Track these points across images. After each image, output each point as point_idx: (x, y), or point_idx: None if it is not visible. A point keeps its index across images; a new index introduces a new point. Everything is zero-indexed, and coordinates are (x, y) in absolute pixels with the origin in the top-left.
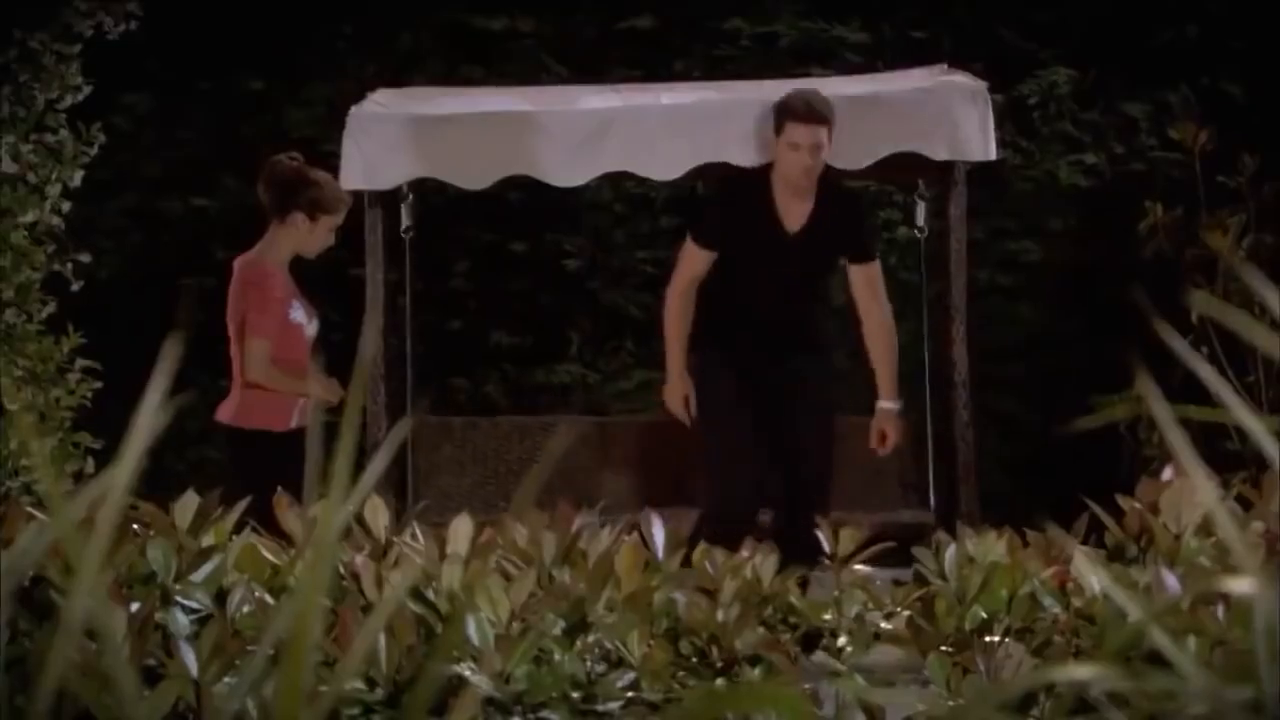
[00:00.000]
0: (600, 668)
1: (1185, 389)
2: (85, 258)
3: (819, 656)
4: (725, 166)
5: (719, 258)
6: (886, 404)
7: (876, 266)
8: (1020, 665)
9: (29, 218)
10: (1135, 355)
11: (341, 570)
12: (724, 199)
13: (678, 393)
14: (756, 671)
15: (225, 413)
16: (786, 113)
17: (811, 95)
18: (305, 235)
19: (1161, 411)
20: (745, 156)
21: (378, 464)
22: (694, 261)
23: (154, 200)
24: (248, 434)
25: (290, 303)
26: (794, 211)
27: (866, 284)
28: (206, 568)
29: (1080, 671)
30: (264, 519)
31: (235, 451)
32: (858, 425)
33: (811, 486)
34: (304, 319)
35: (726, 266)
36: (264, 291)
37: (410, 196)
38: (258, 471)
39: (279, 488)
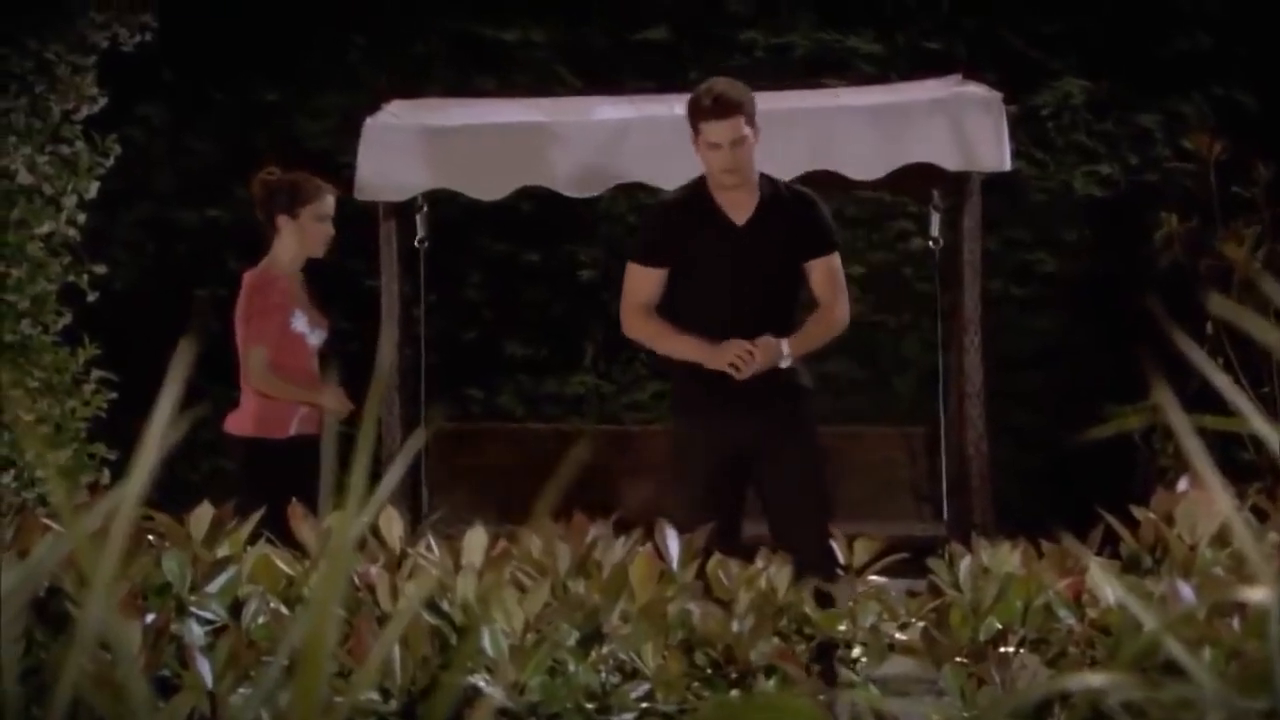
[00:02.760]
0: (615, 679)
1: (1200, 399)
2: (100, 269)
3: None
4: None
5: (671, 279)
6: (785, 344)
7: (836, 259)
8: (1035, 676)
9: (45, 229)
10: (1151, 366)
11: (356, 581)
12: (661, 208)
13: (724, 353)
14: (771, 682)
15: (229, 421)
16: (697, 112)
17: (721, 86)
18: (297, 234)
19: (1177, 421)
20: (761, 166)
21: (393, 474)
22: (640, 283)
23: (168, 211)
24: (246, 441)
25: (291, 311)
26: (738, 206)
27: (826, 278)
28: (221, 578)
29: (1096, 681)
30: (270, 527)
31: (235, 459)
32: (871, 435)
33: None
34: (305, 328)
35: (680, 287)
36: (264, 299)
37: (425, 207)
38: (258, 479)
39: (280, 495)
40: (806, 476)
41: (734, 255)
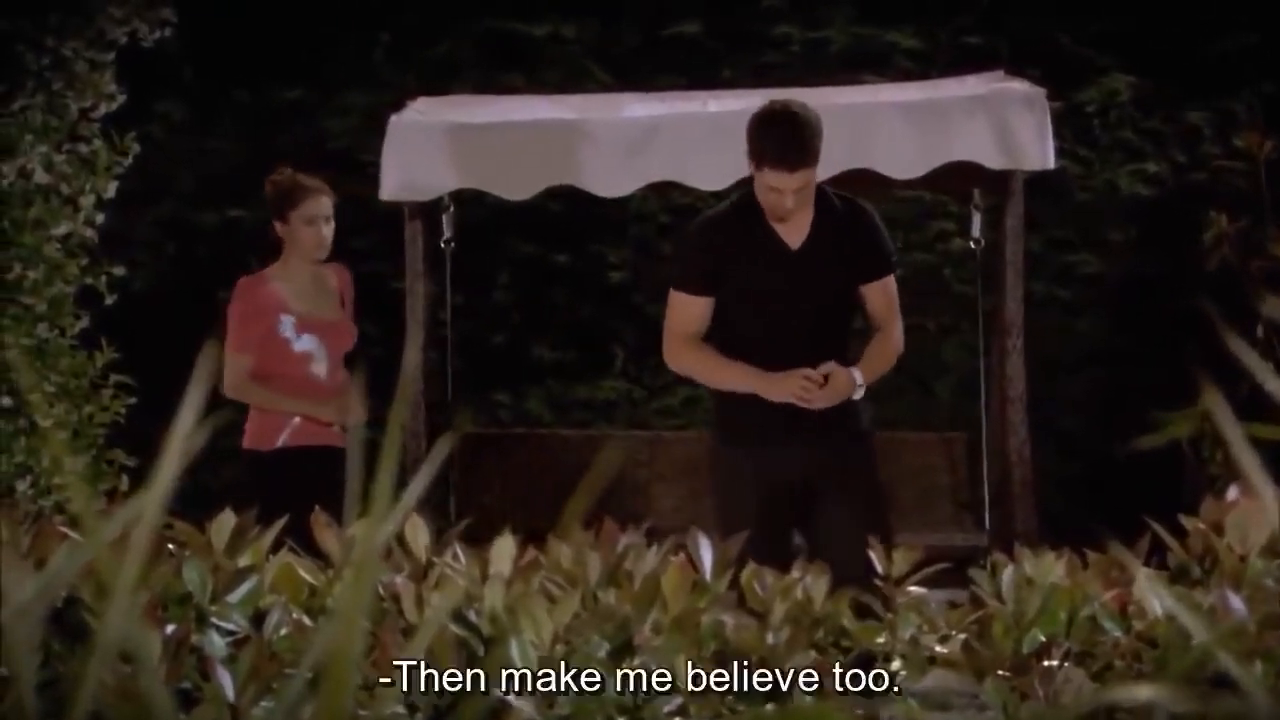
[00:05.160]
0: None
1: (1251, 405)
2: (119, 271)
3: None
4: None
5: (718, 305)
6: (857, 373)
7: (892, 279)
8: (1080, 689)
9: (62, 230)
10: (1200, 370)
11: (381, 591)
12: (706, 228)
13: (787, 383)
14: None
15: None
16: (764, 157)
17: (795, 133)
18: (290, 240)
19: (1229, 429)
20: None
21: (419, 481)
22: (685, 312)
23: (189, 212)
24: (244, 454)
25: (278, 317)
26: (792, 226)
27: (884, 300)
28: (243, 588)
29: (1144, 694)
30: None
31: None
32: (913, 442)
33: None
34: (292, 334)
35: (727, 315)
36: (243, 305)
37: (451, 207)
38: (247, 493)
39: (268, 512)
40: (860, 523)
41: (787, 281)
